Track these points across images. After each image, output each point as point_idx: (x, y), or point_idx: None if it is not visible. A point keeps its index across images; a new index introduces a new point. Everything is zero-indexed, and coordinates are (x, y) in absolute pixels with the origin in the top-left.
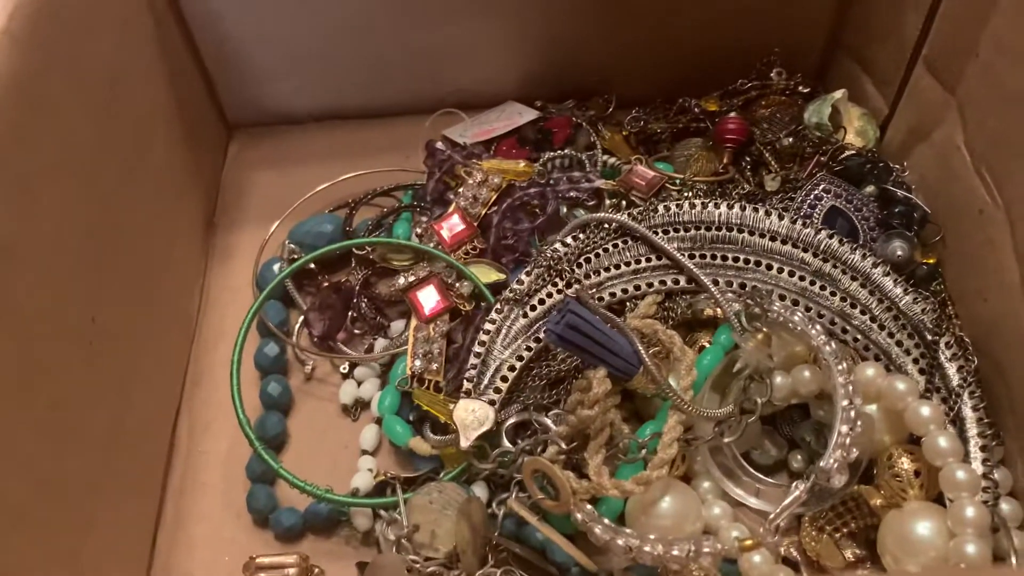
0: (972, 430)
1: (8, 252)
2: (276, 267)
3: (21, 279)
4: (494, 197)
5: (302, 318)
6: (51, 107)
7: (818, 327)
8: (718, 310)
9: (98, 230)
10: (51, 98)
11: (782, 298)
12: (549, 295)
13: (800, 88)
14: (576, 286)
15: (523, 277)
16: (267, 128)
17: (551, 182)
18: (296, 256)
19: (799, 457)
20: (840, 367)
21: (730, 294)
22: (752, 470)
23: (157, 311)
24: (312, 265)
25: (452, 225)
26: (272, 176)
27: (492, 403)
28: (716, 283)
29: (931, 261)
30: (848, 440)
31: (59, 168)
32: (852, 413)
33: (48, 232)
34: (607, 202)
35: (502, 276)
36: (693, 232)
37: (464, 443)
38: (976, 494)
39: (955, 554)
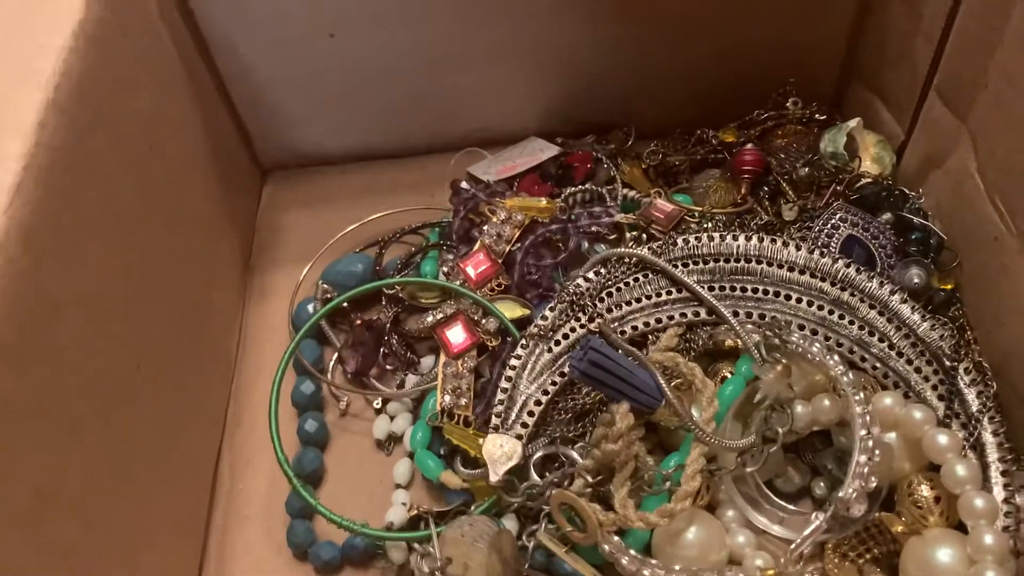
0: (992, 455)
1: (57, 306)
2: (310, 307)
3: (70, 330)
4: (517, 234)
5: (336, 355)
6: (95, 166)
7: (836, 357)
8: (738, 341)
9: (141, 278)
10: (95, 157)
11: (801, 328)
12: (573, 330)
13: (816, 116)
14: (599, 320)
15: (547, 313)
16: (299, 170)
17: (572, 218)
18: (329, 296)
19: (822, 484)
20: (858, 397)
21: (749, 325)
22: (775, 498)
23: (198, 352)
24: (344, 304)
25: (477, 263)
26: (305, 216)
27: (520, 437)
28: (736, 314)
29: (948, 287)
30: (866, 470)
31: (103, 222)
32: (870, 443)
33: (94, 284)
34: (627, 235)
35: (527, 311)
36: (712, 264)
37: (494, 477)
38: (995, 521)
39: None
